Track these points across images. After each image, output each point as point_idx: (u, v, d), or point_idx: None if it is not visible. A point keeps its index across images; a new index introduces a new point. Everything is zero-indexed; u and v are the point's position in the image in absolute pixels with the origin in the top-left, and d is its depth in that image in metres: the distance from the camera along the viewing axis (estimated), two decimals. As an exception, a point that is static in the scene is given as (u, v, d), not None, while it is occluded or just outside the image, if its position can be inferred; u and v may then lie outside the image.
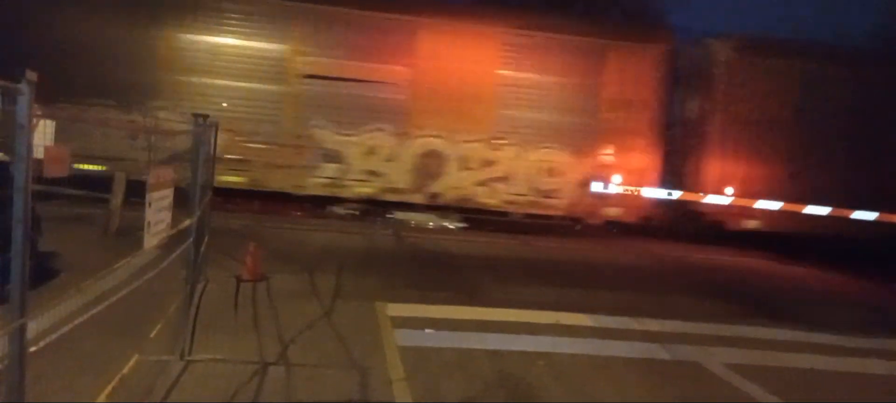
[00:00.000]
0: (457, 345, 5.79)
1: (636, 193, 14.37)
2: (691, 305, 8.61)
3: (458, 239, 12.92)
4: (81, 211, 9.56)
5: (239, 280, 7.35)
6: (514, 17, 14.20)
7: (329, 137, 13.55)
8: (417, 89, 13.77)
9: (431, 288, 8.15)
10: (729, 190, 14.58)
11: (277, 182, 13.53)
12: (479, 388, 4.85)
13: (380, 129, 13.66)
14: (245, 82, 13.25)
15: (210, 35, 13.16)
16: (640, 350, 6.20)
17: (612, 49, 14.29)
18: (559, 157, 14.17)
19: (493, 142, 13.99)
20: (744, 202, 14.56)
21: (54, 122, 3.37)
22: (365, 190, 13.70)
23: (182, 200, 4.87)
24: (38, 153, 2.52)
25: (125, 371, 3.96)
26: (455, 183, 14.02)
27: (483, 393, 4.77)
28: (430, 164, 13.92)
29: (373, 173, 13.71)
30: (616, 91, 14.29)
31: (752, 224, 14.77)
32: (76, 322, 3.07)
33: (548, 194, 14.22)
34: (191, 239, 4.99)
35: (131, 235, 6.89)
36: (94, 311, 3.31)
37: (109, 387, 3.75)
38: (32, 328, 2.61)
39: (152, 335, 4.53)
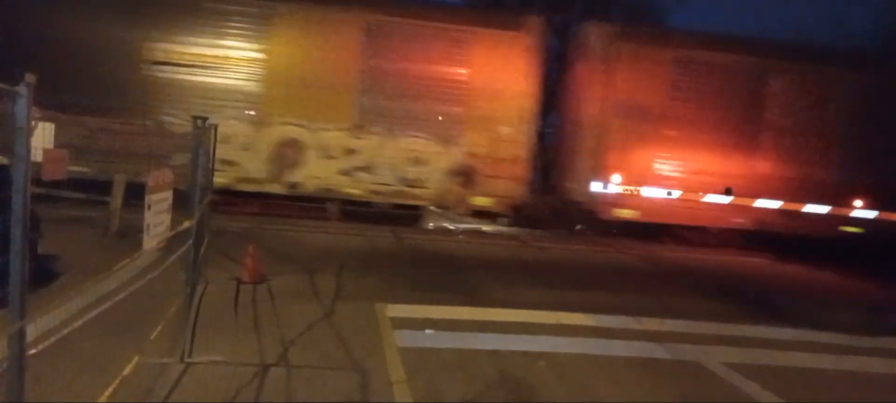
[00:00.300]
0: (457, 346, 5.79)
1: (509, 181, 13.97)
2: (691, 305, 8.61)
3: (458, 240, 12.93)
4: (81, 213, 9.56)
5: (239, 281, 7.35)
6: (376, 3, 13.87)
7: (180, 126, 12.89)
8: (274, 76, 13.35)
9: (431, 289, 8.15)
10: (616, 178, 14.25)
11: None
12: (479, 389, 4.85)
13: (234, 117, 13.12)
14: (90, 68, 12.49)
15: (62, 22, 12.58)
16: (640, 350, 6.20)
17: (479, 36, 13.92)
18: (425, 146, 13.77)
19: (355, 130, 13.63)
20: (628, 191, 14.25)
21: (53, 125, 3.38)
22: (219, 180, 12.44)
23: (181, 202, 4.88)
24: (38, 156, 2.53)
25: (125, 372, 3.96)
26: (316, 172, 13.61)
27: (484, 394, 4.77)
28: (288, 153, 13.41)
29: (227, 162, 12.93)
30: (484, 79, 13.91)
31: (627, 213, 14.43)
32: (76, 323, 3.08)
33: (414, 184, 13.85)
34: (190, 241, 4.99)
35: (131, 237, 6.90)
36: (95, 313, 3.31)
37: (110, 389, 3.75)
38: (33, 330, 2.61)
39: (152, 337, 4.53)
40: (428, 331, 6.23)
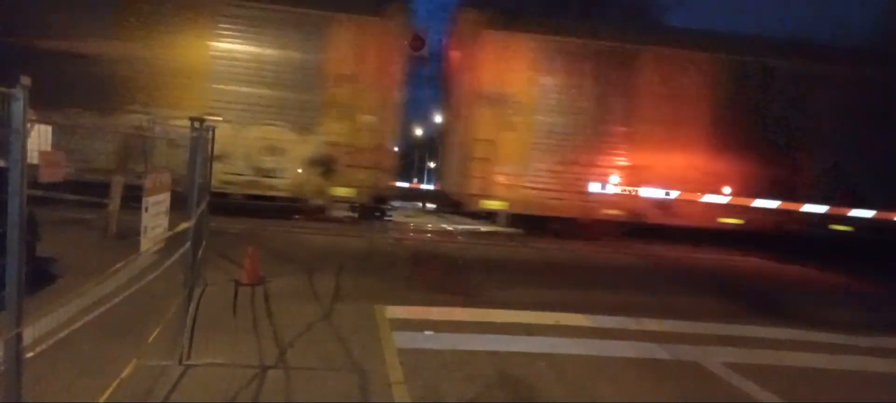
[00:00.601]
0: (456, 347, 5.79)
1: (371, 171, 13.58)
2: (690, 305, 8.61)
3: (456, 241, 12.92)
4: (80, 215, 9.56)
5: (237, 283, 7.34)
6: None
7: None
8: (119, 62, 12.83)
9: (430, 290, 8.15)
10: (482, 169, 13.85)
11: None
12: (478, 389, 4.84)
13: (79, 105, 12.29)
14: None
15: None
16: (639, 350, 6.19)
17: (337, 22, 13.55)
18: (281, 135, 13.36)
19: (206, 118, 13.16)
20: (497, 181, 13.87)
21: (50, 127, 3.36)
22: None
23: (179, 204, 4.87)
24: (34, 158, 2.52)
25: (124, 375, 3.95)
26: (163, 162, 13.16)
27: (483, 395, 4.76)
28: (135, 143, 12.71)
29: (70, 152, 12.66)
30: (343, 66, 13.54)
31: (495, 205, 14.10)
32: (75, 326, 3.07)
33: (269, 174, 13.42)
34: (189, 243, 4.98)
35: (130, 239, 6.89)
36: (93, 315, 3.30)
37: (108, 392, 3.74)
38: (31, 332, 2.61)
39: (151, 339, 4.52)
40: (427, 332, 6.22)
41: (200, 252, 6.45)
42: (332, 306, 6.91)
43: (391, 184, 14.35)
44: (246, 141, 13.26)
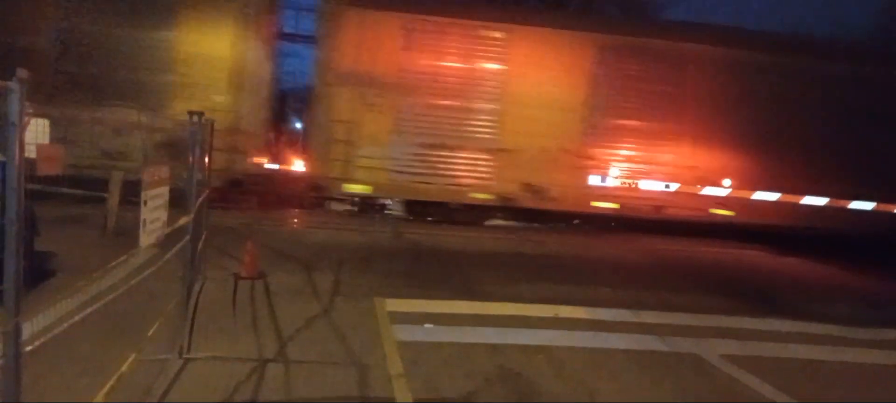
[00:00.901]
0: (456, 340, 5.79)
1: (224, 154, 12.65)
2: (689, 298, 8.62)
3: (456, 235, 12.92)
4: (79, 210, 9.54)
5: (237, 278, 7.34)
6: None
7: None
8: None
9: (430, 284, 8.15)
10: (343, 151, 13.23)
11: None
12: (478, 383, 4.85)
13: None
14: None
15: None
16: (638, 343, 6.21)
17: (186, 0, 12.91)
18: (128, 117, 12.52)
19: (47, 100, 12.10)
20: (360, 164, 13.28)
21: (48, 121, 3.34)
22: None
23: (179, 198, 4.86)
24: (32, 152, 2.51)
25: (123, 369, 3.95)
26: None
27: (482, 388, 4.77)
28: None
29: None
30: (194, 44, 13.00)
31: (358, 189, 13.47)
32: (74, 320, 3.07)
33: (116, 157, 12.57)
34: (188, 237, 4.98)
35: (129, 234, 6.86)
36: (92, 310, 3.30)
37: (108, 386, 3.74)
38: (30, 327, 2.60)
39: (150, 333, 4.52)
40: (427, 326, 6.23)
41: (200, 245, 6.44)
42: (332, 300, 6.92)
43: (253, 164, 13.68)
44: (91, 123, 12.44)
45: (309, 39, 16.12)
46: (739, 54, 14.16)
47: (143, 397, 4.03)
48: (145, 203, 3.80)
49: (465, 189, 13.76)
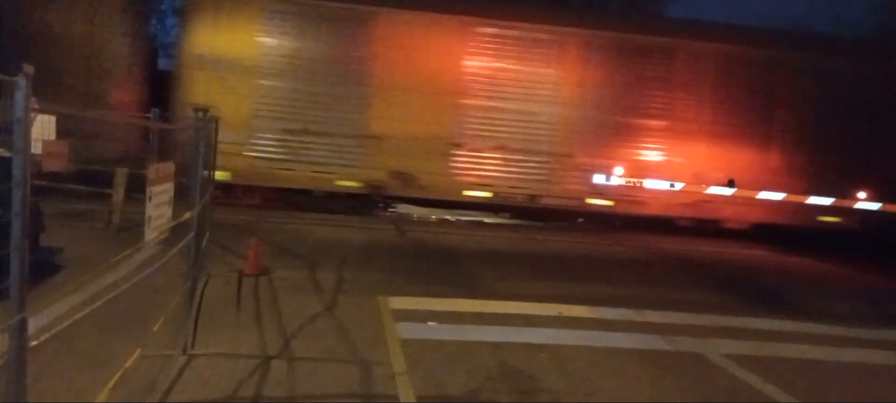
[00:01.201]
0: (459, 338, 5.80)
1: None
2: (692, 297, 8.60)
3: (459, 233, 12.92)
4: (85, 206, 9.57)
5: (241, 274, 7.36)
6: None
7: None
8: None
9: (433, 282, 8.15)
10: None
11: None
12: (481, 381, 4.85)
13: None
14: None
15: None
16: (641, 342, 6.20)
17: None
18: None
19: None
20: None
21: (54, 117, 3.36)
22: None
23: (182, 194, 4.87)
24: (38, 148, 2.53)
25: (127, 365, 3.96)
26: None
27: (485, 386, 4.77)
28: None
29: None
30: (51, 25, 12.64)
31: (221, 175, 12.51)
32: (79, 316, 3.08)
33: None
34: (192, 234, 4.99)
35: (133, 230, 6.91)
36: (97, 305, 3.31)
37: (112, 382, 3.75)
38: (34, 322, 2.61)
39: (155, 329, 4.54)
40: (430, 324, 6.23)
41: (203, 242, 6.46)
42: (335, 297, 6.93)
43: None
44: None
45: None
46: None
47: (146, 393, 4.05)
48: (150, 199, 3.82)
49: (331, 177, 13.31)
